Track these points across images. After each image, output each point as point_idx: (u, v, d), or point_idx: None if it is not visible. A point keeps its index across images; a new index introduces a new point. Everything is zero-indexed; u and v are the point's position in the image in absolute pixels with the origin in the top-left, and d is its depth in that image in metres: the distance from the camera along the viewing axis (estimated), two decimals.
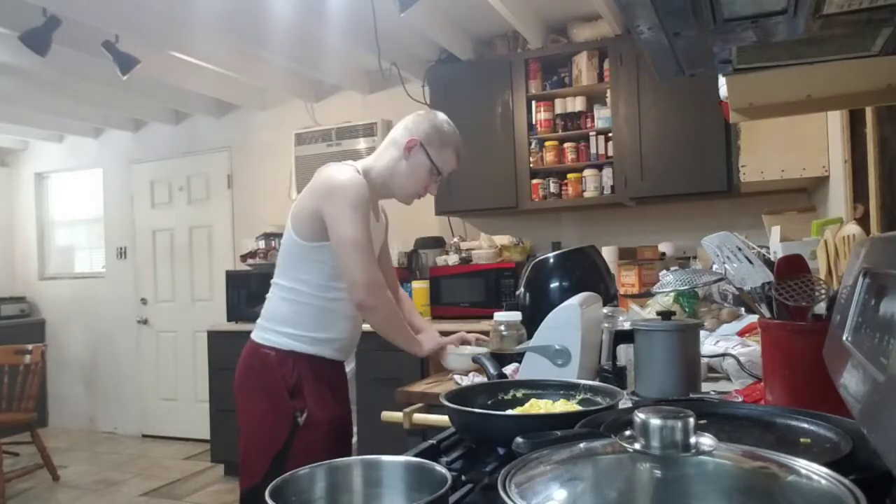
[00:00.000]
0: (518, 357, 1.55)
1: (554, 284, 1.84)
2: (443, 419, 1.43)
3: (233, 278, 4.60)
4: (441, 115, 1.90)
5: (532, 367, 1.40)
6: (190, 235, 5.52)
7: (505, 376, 1.43)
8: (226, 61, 4.07)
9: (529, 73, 3.94)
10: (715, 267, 1.41)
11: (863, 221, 1.85)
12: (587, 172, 3.82)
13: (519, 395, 1.14)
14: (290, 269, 1.82)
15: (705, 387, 1.40)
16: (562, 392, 1.13)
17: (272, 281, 1.88)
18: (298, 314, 1.80)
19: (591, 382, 1.15)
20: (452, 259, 4.09)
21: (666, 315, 1.32)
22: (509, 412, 1.05)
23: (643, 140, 3.63)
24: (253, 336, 1.86)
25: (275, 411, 1.76)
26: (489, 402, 1.10)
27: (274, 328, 1.81)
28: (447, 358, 1.87)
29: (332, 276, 1.79)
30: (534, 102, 3.94)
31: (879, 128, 1.74)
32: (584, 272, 1.87)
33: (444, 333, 1.94)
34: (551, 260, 1.87)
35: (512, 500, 0.50)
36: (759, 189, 3.02)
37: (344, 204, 1.70)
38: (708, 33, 0.84)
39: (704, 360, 1.49)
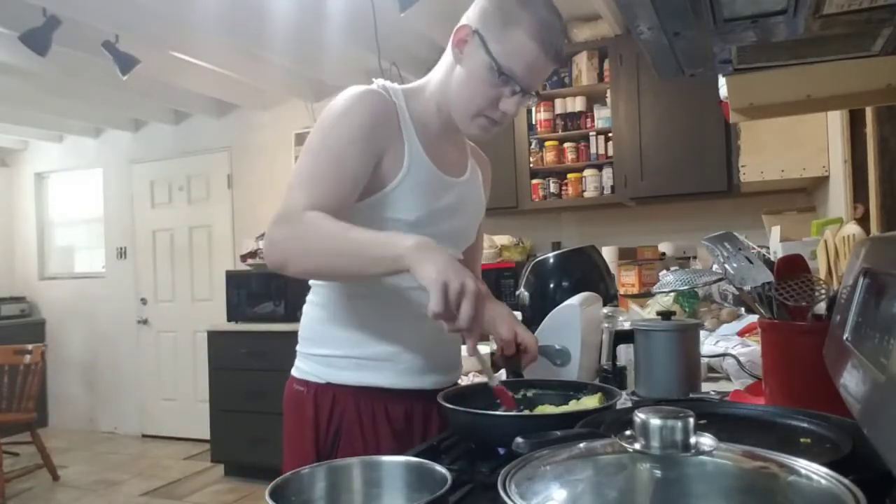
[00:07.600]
0: None
1: (554, 284, 1.83)
2: None
3: (233, 278, 4.60)
4: None
5: (532, 367, 1.40)
6: (190, 235, 5.51)
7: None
8: (226, 61, 4.07)
9: None
10: (715, 267, 1.41)
11: (863, 221, 1.85)
12: (587, 172, 3.82)
13: (519, 396, 1.14)
14: None
15: (705, 387, 1.40)
16: (562, 392, 1.13)
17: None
18: (334, 322, 1.19)
19: (587, 383, 1.15)
20: None
21: (666, 315, 1.32)
22: (505, 412, 1.05)
23: (643, 140, 3.63)
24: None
25: None
26: (484, 404, 1.10)
27: (306, 351, 1.23)
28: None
29: None
30: None
31: (879, 128, 1.73)
32: (584, 272, 1.87)
33: None
34: (551, 260, 1.87)
35: (512, 500, 0.50)
36: (759, 189, 3.02)
37: (322, 119, 1.14)
38: (708, 33, 0.84)
39: (704, 360, 1.49)
